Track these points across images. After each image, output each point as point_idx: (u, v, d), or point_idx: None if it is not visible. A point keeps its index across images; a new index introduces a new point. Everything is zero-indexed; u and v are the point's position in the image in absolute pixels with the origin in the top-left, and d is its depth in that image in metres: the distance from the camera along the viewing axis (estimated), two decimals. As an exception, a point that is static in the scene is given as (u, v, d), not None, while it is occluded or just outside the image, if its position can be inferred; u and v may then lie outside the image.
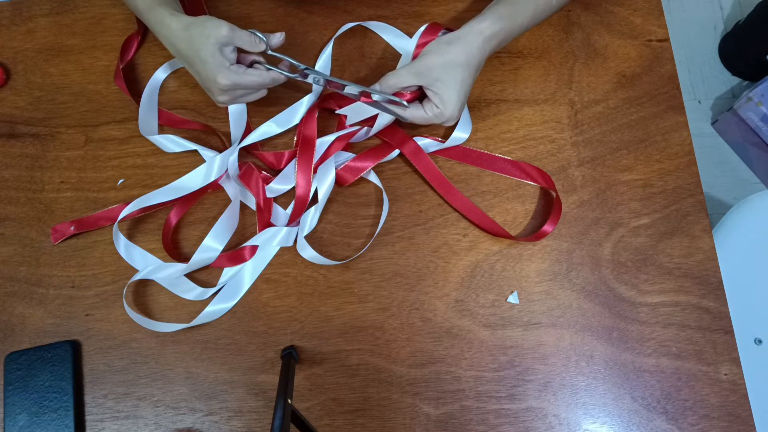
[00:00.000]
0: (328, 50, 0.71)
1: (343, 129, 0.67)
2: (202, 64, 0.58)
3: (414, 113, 0.60)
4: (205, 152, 0.68)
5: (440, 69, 0.57)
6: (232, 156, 0.66)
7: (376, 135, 0.68)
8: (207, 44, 0.56)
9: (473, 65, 0.58)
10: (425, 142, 0.67)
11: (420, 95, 0.62)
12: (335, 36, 0.71)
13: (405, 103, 0.60)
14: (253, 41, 0.59)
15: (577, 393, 0.61)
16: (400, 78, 0.59)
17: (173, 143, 0.69)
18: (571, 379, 0.61)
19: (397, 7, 0.73)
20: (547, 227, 0.64)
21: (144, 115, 0.69)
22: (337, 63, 0.71)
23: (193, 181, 0.65)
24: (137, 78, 0.72)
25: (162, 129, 0.71)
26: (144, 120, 0.69)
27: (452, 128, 0.67)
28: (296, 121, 0.68)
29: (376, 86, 0.61)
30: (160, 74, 0.71)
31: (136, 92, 0.71)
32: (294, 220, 0.65)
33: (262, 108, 0.70)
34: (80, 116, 0.71)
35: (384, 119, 0.65)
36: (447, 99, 0.57)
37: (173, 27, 0.58)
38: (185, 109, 0.71)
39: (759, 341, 0.88)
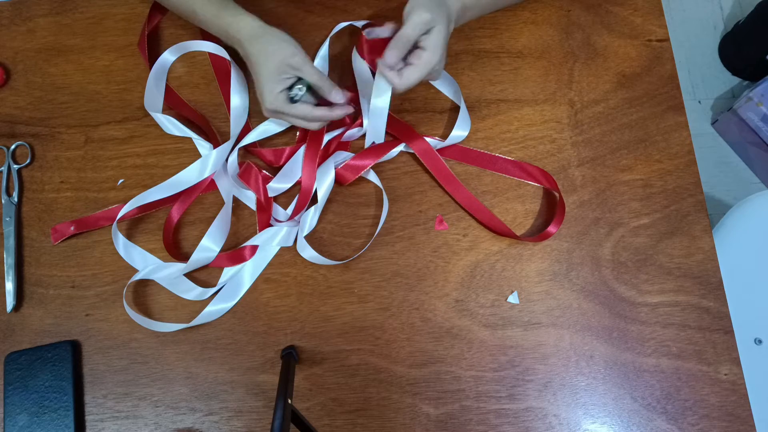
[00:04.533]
0: (324, 49, 0.71)
1: (344, 127, 0.67)
2: (257, 76, 0.59)
3: (407, 74, 0.58)
4: (201, 143, 0.68)
5: (436, 15, 0.56)
6: (231, 156, 0.66)
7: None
8: (268, 62, 0.57)
9: (451, 20, 0.59)
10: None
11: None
12: (330, 34, 0.71)
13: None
14: (319, 80, 0.60)
15: (577, 393, 0.61)
16: (413, 31, 0.56)
17: (173, 125, 0.69)
18: (571, 379, 0.61)
19: (396, 6, 0.73)
20: (551, 228, 0.64)
21: (151, 90, 0.70)
22: (333, 60, 0.71)
23: (188, 176, 0.66)
24: (160, 52, 0.72)
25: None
26: (150, 95, 0.70)
27: (451, 127, 0.67)
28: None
29: (395, 52, 0.58)
30: (168, 56, 0.71)
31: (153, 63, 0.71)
32: (298, 212, 0.65)
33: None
34: (80, 116, 0.71)
35: (375, 121, 0.65)
36: (436, 42, 0.57)
37: (246, 30, 0.59)
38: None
39: (759, 341, 0.88)
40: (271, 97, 0.59)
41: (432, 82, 0.70)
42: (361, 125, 0.67)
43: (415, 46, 0.58)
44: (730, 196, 1.46)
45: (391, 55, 0.57)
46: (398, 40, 0.57)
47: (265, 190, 0.66)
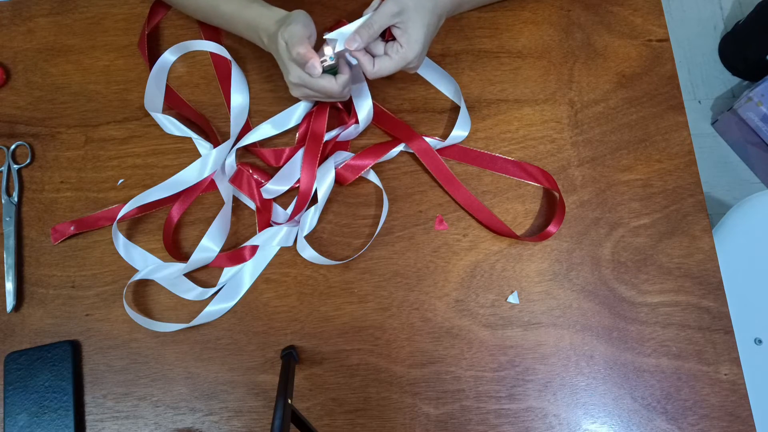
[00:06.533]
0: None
1: (342, 125, 0.67)
2: (277, 56, 0.59)
3: (381, 65, 0.57)
4: (201, 143, 0.68)
5: (413, 9, 0.56)
6: (229, 158, 0.66)
7: (384, 130, 0.68)
8: (281, 41, 0.57)
9: (437, 14, 0.58)
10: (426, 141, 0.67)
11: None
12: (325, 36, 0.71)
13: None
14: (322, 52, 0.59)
15: (577, 393, 0.61)
16: (379, 21, 0.56)
17: (173, 125, 0.69)
18: (571, 379, 0.61)
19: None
20: (551, 228, 0.64)
21: (151, 90, 0.70)
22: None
23: (188, 176, 0.66)
24: (160, 52, 0.72)
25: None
26: (150, 95, 0.70)
27: (451, 127, 0.67)
28: (292, 123, 0.68)
29: (357, 38, 0.57)
30: (168, 56, 0.71)
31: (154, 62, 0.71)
32: (296, 214, 0.65)
33: (263, 108, 0.70)
34: (80, 116, 0.72)
35: (366, 114, 0.65)
36: (414, 39, 0.56)
37: (268, 22, 0.60)
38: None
39: (759, 341, 0.88)
40: (292, 70, 0.58)
41: (432, 82, 0.70)
42: (356, 122, 0.66)
43: (394, 38, 0.58)
44: (730, 196, 1.46)
45: (354, 39, 0.56)
46: (364, 26, 0.56)
47: (260, 194, 0.66)
